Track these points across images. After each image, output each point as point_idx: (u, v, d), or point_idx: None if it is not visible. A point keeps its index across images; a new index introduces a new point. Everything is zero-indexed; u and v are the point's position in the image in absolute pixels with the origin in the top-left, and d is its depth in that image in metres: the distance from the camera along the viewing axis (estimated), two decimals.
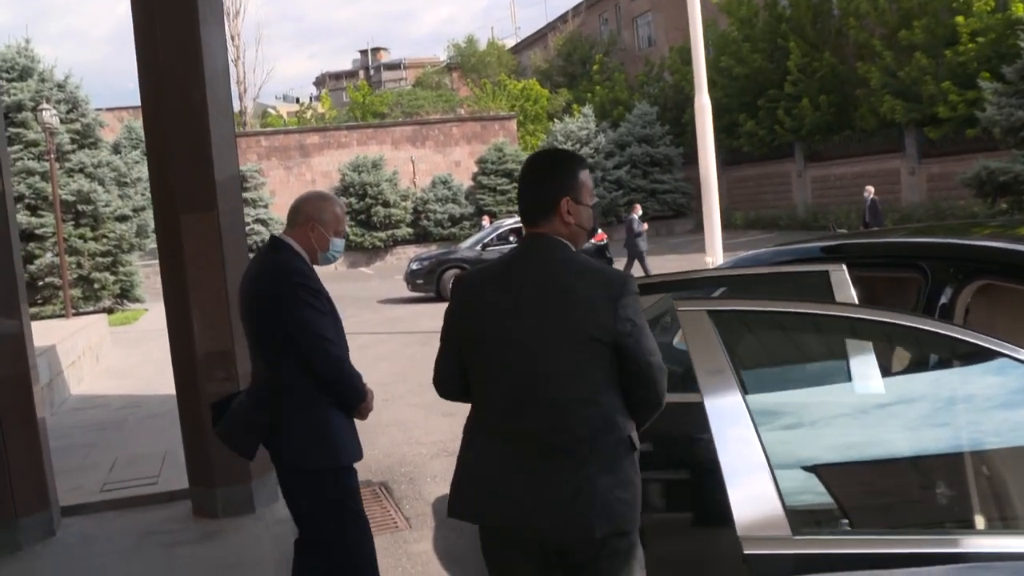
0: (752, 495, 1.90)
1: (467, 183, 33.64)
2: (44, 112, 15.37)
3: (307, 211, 3.33)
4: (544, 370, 2.26)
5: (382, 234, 32.13)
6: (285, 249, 3.29)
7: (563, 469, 2.23)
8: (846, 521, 1.96)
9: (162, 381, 10.20)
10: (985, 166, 19.01)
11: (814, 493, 2.14)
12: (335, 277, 29.16)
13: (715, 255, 12.93)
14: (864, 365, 2.38)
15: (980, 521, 2.17)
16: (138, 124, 29.74)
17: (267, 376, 3.30)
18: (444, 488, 6.05)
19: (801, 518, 1.93)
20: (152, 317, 18.32)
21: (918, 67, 25.04)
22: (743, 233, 29.59)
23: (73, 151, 19.09)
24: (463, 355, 2.40)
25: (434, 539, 5.12)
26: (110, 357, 12.71)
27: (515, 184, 25.06)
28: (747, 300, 2.50)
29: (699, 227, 29.51)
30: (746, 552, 1.84)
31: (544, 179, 2.42)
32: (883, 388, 2.39)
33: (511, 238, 19.77)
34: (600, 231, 20.72)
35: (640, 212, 19.21)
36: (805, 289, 3.24)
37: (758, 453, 1.93)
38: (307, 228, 3.31)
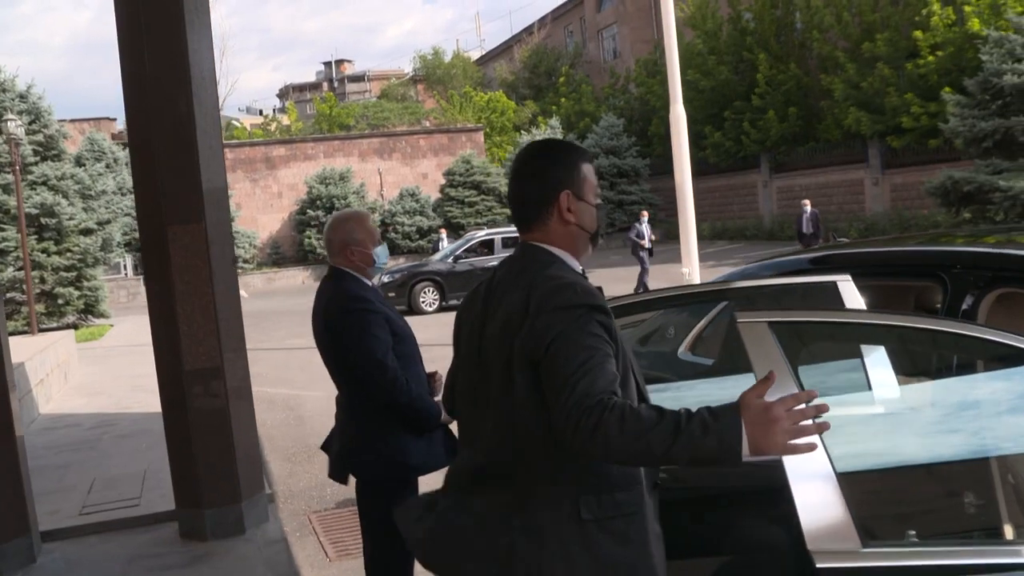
0: (819, 505, 1.83)
1: (435, 195, 33.51)
2: (9, 123, 14.99)
3: (340, 239, 3.40)
4: (479, 407, 1.99)
5: None
6: (343, 277, 3.38)
7: (490, 532, 1.91)
8: (912, 532, 1.90)
9: (135, 398, 9.97)
10: (950, 176, 19.31)
11: (876, 502, 2.08)
12: (303, 291, 28.84)
13: (691, 266, 12.94)
14: (923, 373, 2.33)
15: None
16: (100, 136, 29.25)
17: (341, 397, 3.47)
18: None
19: (867, 528, 1.86)
20: (118, 333, 17.96)
21: (880, 78, 25.46)
22: (710, 244, 29.75)
23: (36, 163, 18.68)
24: None
25: None
26: (78, 374, 12.39)
27: (484, 196, 24.98)
28: (808, 312, 2.42)
29: (667, 237, 29.88)
30: (818, 566, 1.76)
31: (540, 171, 2.02)
32: (940, 394, 2.34)
33: (481, 250, 19.70)
34: None
35: (647, 218, 19.01)
36: (814, 301, 3.18)
37: (824, 462, 1.86)
38: (347, 254, 3.40)
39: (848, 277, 3.14)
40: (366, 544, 3.49)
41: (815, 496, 1.83)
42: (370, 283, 3.45)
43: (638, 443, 1.63)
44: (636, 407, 1.68)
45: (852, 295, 3.11)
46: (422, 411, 3.34)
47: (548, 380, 1.76)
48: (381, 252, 3.46)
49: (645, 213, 19.50)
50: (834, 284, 3.14)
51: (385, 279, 18.93)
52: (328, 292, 3.40)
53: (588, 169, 2.04)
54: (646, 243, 18.04)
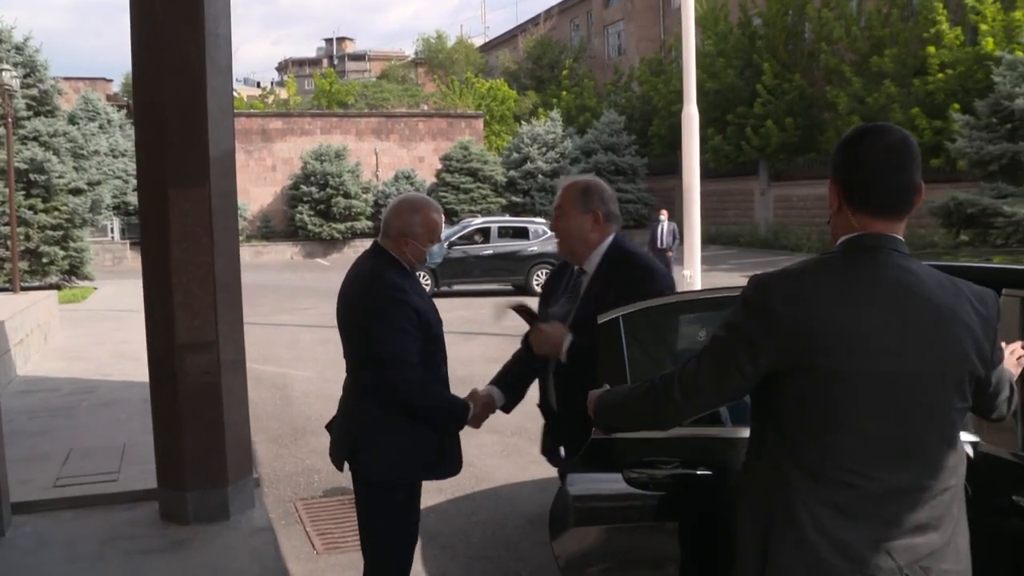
0: None
1: (430, 179, 33.18)
2: (3, 72, 14.50)
3: (398, 227, 3.17)
4: (927, 413, 1.88)
5: (341, 226, 31.53)
6: (382, 257, 3.18)
7: (933, 530, 1.89)
8: None
9: (116, 365, 9.65)
10: (954, 197, 19.18)
11: None
12: (291, 266, 28.50)
13: (693, 268, 12.74)
14: None
15: None
16: (95, 96, 28.71)
17: (350, 383, 3.26)
18: (428, 499, 5.67)
19: None
20: (101, 296, 17.58)
21: (886, 94, 25.29)
22: (703, 248, 29.53)
23: (28, 118, 18.24)
24: (789, 384, 1.90)
25: (423, 558, 4.71)
26: (59, 336, 12.02)
27: (479, 183, 24.81)
28: None
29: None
30: None
31: (915, 159, 1.93)
32: None
33: (476, 238, 19.33)
34: None
35: (666, 216, 18.69)
36: None
37: None
38: (400, 243, 3.17)
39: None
40: (364, 548, 3.25)
41: None
42: (410, 271, 3.20)
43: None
44: None
45: None
46: (444, 413, 3.13)
47: (997, 380, 2.00)
48: (436, 251, 3.23)
49: (664, 211, 19.19)
50: None
51: None
52: (364, 271, 3.17)
53: None
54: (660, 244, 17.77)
